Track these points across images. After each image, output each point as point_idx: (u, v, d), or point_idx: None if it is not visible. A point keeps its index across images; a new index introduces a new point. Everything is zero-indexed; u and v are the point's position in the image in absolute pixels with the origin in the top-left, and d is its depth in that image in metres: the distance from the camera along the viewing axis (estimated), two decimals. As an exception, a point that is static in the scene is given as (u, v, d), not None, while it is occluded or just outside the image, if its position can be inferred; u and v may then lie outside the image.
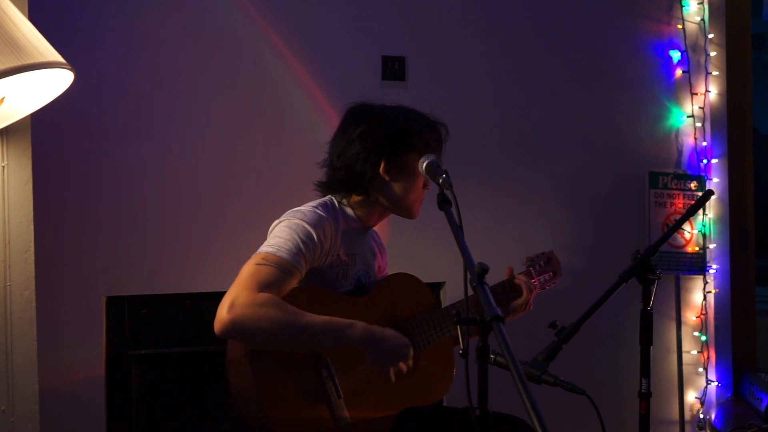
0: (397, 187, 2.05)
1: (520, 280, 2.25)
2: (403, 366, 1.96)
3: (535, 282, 2.30)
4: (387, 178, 2.04)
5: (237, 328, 1.77)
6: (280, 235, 1.91)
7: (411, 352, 1.98)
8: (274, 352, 1.84)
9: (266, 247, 1.89)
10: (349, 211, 2.09)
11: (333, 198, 2.09)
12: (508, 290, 2.24)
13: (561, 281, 2.42)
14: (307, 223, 1.92)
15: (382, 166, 2.03)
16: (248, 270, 1.84)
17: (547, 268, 2.36)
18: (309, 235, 1.91)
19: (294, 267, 1.87)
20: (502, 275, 2.25)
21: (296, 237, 1.89)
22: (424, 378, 2.07)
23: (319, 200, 2.06)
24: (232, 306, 1.77)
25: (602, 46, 3.26)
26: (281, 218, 1.97)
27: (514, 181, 3.13)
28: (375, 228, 2.24)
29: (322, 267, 1.97)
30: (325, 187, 2.12)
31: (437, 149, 2.09)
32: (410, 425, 2.06)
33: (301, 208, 1.99)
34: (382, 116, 2.07)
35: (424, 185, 2.09)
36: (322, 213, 1.97)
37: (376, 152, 2.03)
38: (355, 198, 2.08)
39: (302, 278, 1.91)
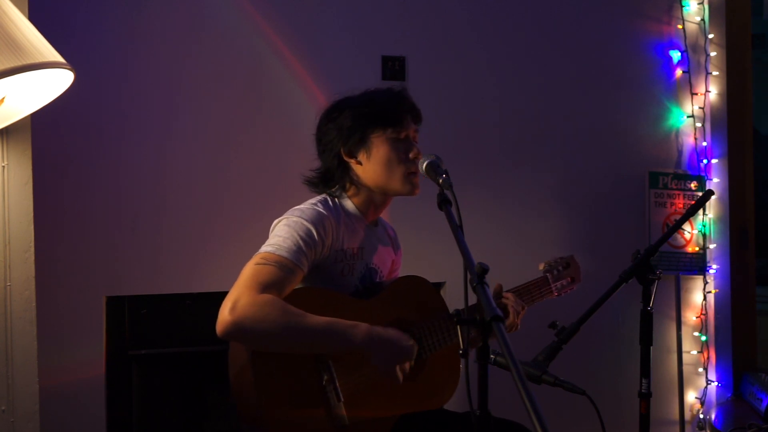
0: (371, 167, 2.03)
1: (508, 300, 2.16)
2: (407, 366, 1.94)
3: (551, 287, 2.26)
4: (355, 161, 2.04)
5: (239, 330, 1.77)
6: (280, 233, 1.91)
7: (416, 350, 1.96)
8: (275, 352, 1.84)
9: (267, 247, 1.89)
10: (348, 204, 2.08)
11: (332, 193, 2.09)
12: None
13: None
14: (307, 221, 1.92)
15: (342, 153, 2.04)
16: (249, 270, 1.83)
17: (565, 273, 2.30)
18: (309, 233, 1.91)
19: (295, 265, 1.86)
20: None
21: (296, 235, 1.89)
22: (428, 382, 2.05)
23: (319, 197, 2.07)
24: (233, 307, 1.76)
25: (602, 46, 3.26)
26: (281, 217, 1.98)
27: (514, 181, 3.13)
28: (386, 220, 2.23)
29: (326, 263, 1.97)
30: (311, 185, 2.14)
31: (397, 111, 2.04)
32: (410, 428, 2.06)
33: (301, 206, 2.00)
34: (333, 110, 2.09)
35: (407, 154, 2.02)
36: (321, 210, 1.97)
37: (332, 144, 2.05)
38: (346, 190, 2.08)
39: (305, 276, 1.91)
